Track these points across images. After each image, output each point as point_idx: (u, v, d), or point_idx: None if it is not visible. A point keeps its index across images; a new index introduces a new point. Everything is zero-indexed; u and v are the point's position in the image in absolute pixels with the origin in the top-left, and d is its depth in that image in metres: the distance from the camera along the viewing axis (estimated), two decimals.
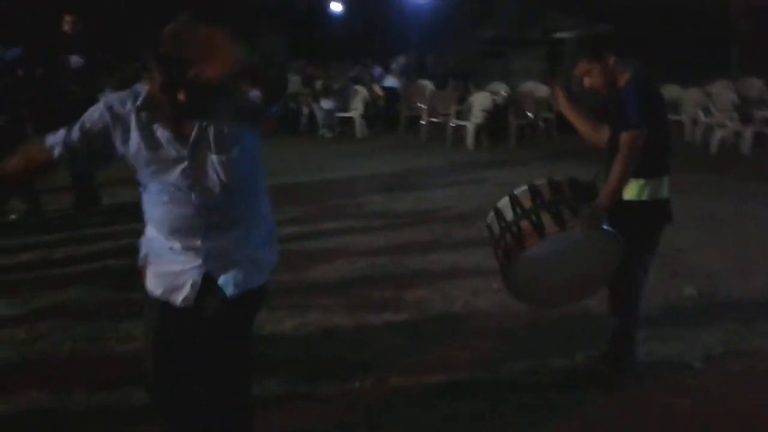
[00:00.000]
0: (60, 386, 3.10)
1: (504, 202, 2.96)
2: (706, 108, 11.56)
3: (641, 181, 2.98)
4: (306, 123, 12.43)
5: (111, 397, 3.02)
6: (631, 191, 2.98)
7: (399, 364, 3.38)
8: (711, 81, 12.77)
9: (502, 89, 13.30)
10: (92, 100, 6.76)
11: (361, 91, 12.56)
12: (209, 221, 2.05)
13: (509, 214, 2.89)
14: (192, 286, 2.08)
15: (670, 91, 13.19)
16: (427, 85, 13.77)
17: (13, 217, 6.15)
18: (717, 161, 9.92)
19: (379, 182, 8.06)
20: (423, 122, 11.99)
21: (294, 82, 13.30)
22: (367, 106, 12.57)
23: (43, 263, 4.92)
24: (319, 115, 12.36)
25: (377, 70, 14.71)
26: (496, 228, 2.95)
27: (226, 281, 2.09)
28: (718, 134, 10.78)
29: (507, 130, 11.62)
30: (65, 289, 4.35)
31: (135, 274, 2.29)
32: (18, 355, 3.46)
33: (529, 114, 11.96)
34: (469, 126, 11.43)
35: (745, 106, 10.92)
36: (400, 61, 15.29)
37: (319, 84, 12.88)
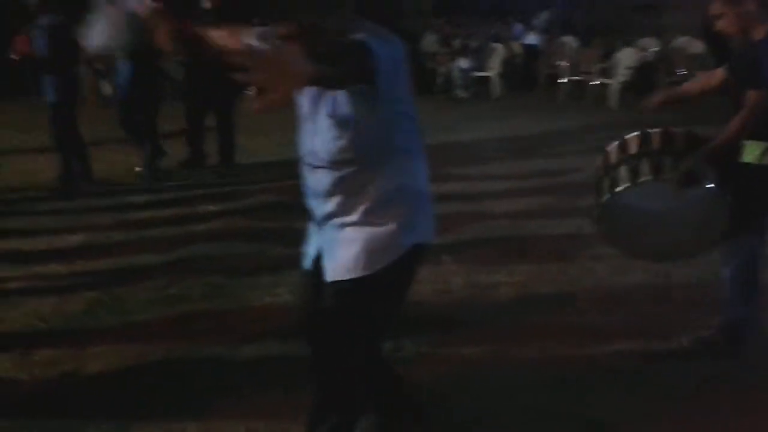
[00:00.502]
0: (193, 337, 3.35)
1: (612, 147, 2.91)
2: None
3: (765, 144, 2.79)
4: (442, 82, 12.40)
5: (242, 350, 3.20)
6: (752, 154, 2.81)
7: (511, 327, 3.41)
8: None
9: (653, 45, 12.55)
10: None
11: (499, 50, 12.31)
12: None
13: (614, 159, 2.84)
14: None
15: None
16: (571, 41, 13.25)
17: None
18: None
19: (509, 144, 7.95)
20: (563, 80, 11.60)
21: (431, 41, 13.28)
22: (505, 64, 12.32)
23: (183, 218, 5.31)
24: (455, 75, 12.28)
25: (518, 28, 14.30)
26: (600, 171, 2.92)
27: None
28: None
29: (656, 88, 11.00)
30: (205, 243, 4.69)
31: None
32: (158, 304, 3.74)
33: (680, 71, 11.22)
34: (613, 84, 10.93)
35: None
36: (543, 17, 14.77)
37: (456, 43, 12.77)
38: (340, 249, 2.02)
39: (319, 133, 1.95)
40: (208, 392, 2.85)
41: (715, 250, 3.01)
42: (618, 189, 2.77)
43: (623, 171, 2.77)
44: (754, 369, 2.99)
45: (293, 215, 5.03)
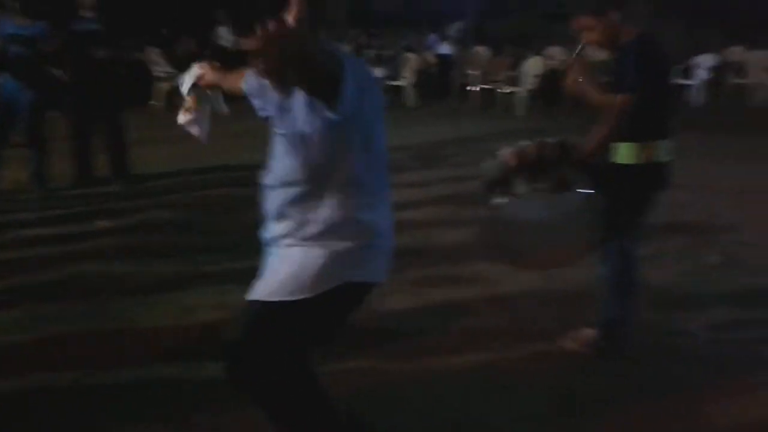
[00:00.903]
0: (66, 361, 3.18)
1: (489, 163, 2.94)
2: None
3: (635, 144, 2.89)
4: None
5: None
6: (624, 154, 2.90)
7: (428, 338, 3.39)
8: None
9: (560, 54, 12.93)
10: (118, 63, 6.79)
11: (413, 59, 12.45)
12: None
13: (493, 173, 2.87)
14: None
15: (734, 53, 12.58)
16: (482, 51, 13.54)
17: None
18: None
19: (419, 152, 8.02)
20: (474, 89, 11.82)
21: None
22: (419, 74, 12.46)
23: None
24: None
25: (432, 38, 14.51)
26: (482, 186, 2.94)
27: None
28: None
29: (562, 96, 11.33)
30: (92, 261, 4.49)
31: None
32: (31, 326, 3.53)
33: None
34: (520, 92, 11.21)
35: None
36: (457, 27, 15.05)
37: (370, 53, 12.85)
38: (270, 269, 1.96)
39: (276, 152, 1.93)
40: (83, 417, 2.71)
41: (594, 252, 3.07)
42: (498, 202, 2.78)
43: (502, 185, 2.79)
44: (635, 366, 3.07)
45: (185, 232, 4.98)
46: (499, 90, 11.52)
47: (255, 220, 4.36)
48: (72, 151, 6.57)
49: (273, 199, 1.95)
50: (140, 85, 12.24)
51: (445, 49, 13.63)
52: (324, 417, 2.03)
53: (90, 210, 5.64)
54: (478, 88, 11.83)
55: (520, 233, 2.94)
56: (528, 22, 16.13)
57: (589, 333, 3.17)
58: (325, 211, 1.89)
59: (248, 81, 2.08)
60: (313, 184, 1.88)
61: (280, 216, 1.94)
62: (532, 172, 2.79)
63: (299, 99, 1.80)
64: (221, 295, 3.73)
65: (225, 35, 13.28)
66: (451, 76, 12.81)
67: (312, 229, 1.90)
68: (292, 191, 1.90)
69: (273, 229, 1.97)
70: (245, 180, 6.33)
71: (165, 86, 12.10)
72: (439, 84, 12.98)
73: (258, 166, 6.01)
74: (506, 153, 2.90)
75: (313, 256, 1.90)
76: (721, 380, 2.95)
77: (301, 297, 1.89)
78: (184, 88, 2.43)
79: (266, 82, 1.77)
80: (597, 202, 2.79)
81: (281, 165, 1.91)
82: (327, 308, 1.94)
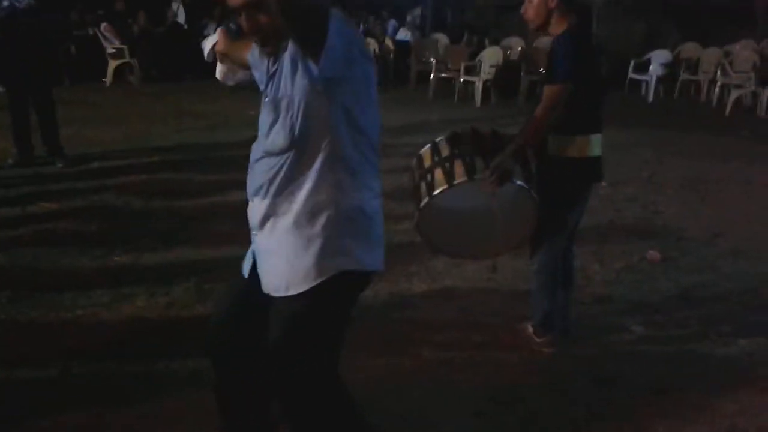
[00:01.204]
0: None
1: (426, 150, 2.88)
2: (724, 68, 11.16)
3: (567, 137, 2.87)
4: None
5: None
6: (556, 147, 2.88)
7: None
8: (734, 41, 12.30)
9: (519, 44, 12.97)
10: None
11: (372, 45, 12.33)
12: None
13: (428, 162, 2.81)
14: None
15: (689, 49, 12.79)
16: (441, 39, 13.48)
17: (10, 161, 6.12)
18: (731, 122, 9.61)
19: None
20: (432, 77, 11.77)
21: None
22: (377, 60, 12.36)
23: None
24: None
25: (392, 23, 14.41)
26: (416, 175, 2.88)
27: None
28: (734, 95, 10.40)
29: (519, 86, 11.36)
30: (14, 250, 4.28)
31: None
32: None
33: (541, 70, 11.64)
34: (477, 82, 11.20)
35: (766, 67, 10.50)
36: (416, 13, 14.96)
37: None
38: (268, 263, 1.87)
39: (262, 123, 1.83)
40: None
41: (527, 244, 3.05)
42: (435, 192, 2.73)
43: (438, 173, 2.74)
44: (574, 360, 3.08)
45: (119, 218, 4.80)
46: (457, 79, 11.48)
47: (192, 208, 4.28)
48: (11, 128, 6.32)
49: (257, 173, 1.84)
50: (92, 61, 11.89)
51: (403, 35, 13.54)
52: (345, 420, 1.97)
53: (28, 192, 5.42)
54: (434, 77, 11.78)
55: (455, 223, 2.91)
56: (485, 12, 16.13)
57: (527, 327, 3.16)
58: (309, 187, 1.77)
59: (252, 52, 1.97)
60: (297, 154, 1.76)
61: (265, 192, 1.81)
62: (469, 162, 2.75)
63: (286, 63, 1.74)
64: (156, 285, 3.64)
65: (180, 12, 12.97)
66: (408, 63, 12.73)
67: (294, 210, 1.79)
68: (277, 161, 1.78)
69: (257, 209, 1.85)
70: (190, 164, 6.28)
71: (114, 62, 11.77)
72: (397, 71, 12.89)
73: (207, 149, 5.80)
74: (442, 140, 2.87)
75: (298, 246, 1.80)
76: (654, 376, 2.97)
77: (298, 291, 1.81)
78: (206, 53, 2.37)
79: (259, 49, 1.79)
80: (531, 195, 2.77)
81: (267, 135, 1.81)
82: (326, 299, 1.83)
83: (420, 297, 3.71)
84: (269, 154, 1.80)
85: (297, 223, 1.79)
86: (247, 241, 1.98)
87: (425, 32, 14.07)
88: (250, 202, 1.89)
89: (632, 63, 12.35)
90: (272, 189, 1.80)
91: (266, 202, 1.82)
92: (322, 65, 1.64)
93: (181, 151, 6.86)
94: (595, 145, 2.93)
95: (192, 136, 7.56)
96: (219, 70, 2.32)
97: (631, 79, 12.35)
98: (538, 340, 3.11)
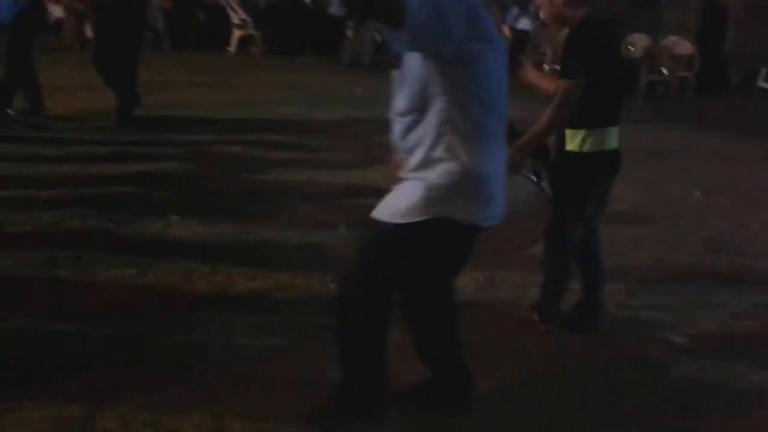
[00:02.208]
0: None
1: None
2: None
3: (583, 132, 2.81)
4: None
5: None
6: (572, 142, 2.83)
7: None
8: None
9: (643, 41, 12.38)
10: None
11: None
12: None
13: None
14: None
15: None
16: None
17: (11, 112, 6.25)
18: None
19: None
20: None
21: None
22: None
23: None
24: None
25: (513, 11, 14.12)
26: None
27: None
28: None
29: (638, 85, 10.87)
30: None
31: None
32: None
33: (663, 70, 11.09)
34: None
35: None
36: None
37: None
38: (390, 194, 2.21)
39: (395, 88, 2.16)
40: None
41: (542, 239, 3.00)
42: None
43: None
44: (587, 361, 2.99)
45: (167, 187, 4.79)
46: None
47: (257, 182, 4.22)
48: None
49: (394, 129, 2.19)
50: (219, 29, 12.53)
51: (523, 24, 13.26)
52: (374, 351, 2.27)
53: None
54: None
55: None
56: (618, 5, 15.44)
57: (534, 313, 3.14)
58: (427, 144, 2.08)
59: None
60: (415, 117, 2.08)
61: (398, 144, 2.19)
62: None
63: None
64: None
65: None
66: (521, 53, 12.46)
67: (414, 159, 2.12)
68: (403, 121, 2.12)
69: (395, 156, 2.24)
70: (276, 136, 6.43)
71: (239, 33, 12.32)
72: (511, 61, 12.64)
73: (301, 123, 5.74)
74: None
75: (411, 187, 2.12)
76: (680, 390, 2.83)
77: (396, 222, 2.12)
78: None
79: None
80: (544, 190, 2.76)
81: (397, 98, 2.14)
82: (423, 239, 2.13)
83: None
84: (397, 115, 2.15)
85: (415, 171, 2.12)
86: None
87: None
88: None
89: (763, 71, 11.49)
90: (401, 142, 2.17)
91: (400, 151, 2.19)
92: (407, 27, 1.81)
93: (275, 123, 7.05)
94: (612, 137, 2.88)
95: (289, 109, 7.81)
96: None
97: (762, 88, 11.50)
98: (542, 328, 3.08)
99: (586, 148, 2.82)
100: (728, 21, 13.28)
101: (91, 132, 6.24)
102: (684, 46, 11.59)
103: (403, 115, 2.12)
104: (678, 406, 2.71)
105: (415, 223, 2.09)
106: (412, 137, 2.11)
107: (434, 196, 2.09)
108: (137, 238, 3.92)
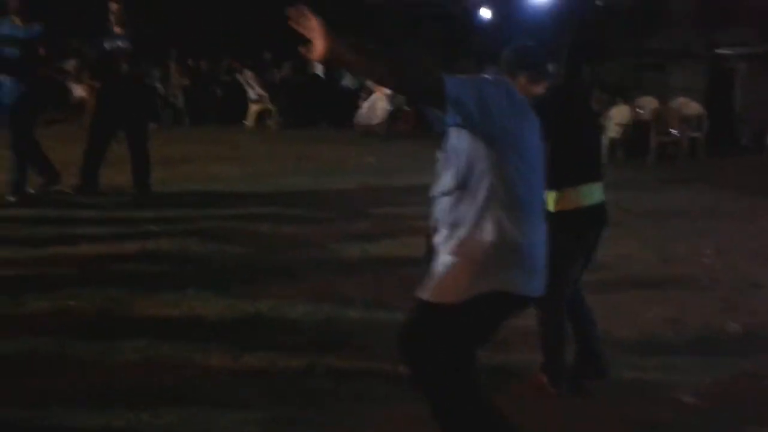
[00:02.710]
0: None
1: None
2: None
3: (554, 193, 2.94)
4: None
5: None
6: (549, 203, 2.92)
7: None
8: None
9: (652, 103, 12.56)
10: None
11: None
12: None
13: None
14: None
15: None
16: None
17: (31, 191, 6.40)
18: None
19: None
20: None
21: None
22: None
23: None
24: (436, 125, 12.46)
25: None
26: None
27: None
28: None
29: (648, 146, 10.99)
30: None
31: None
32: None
33: (673, 131, 11.21)
34: (603, 139, 10.96)
35: None
36: (549, 69, 14.88)
37: None
38: (433, 273, 2.24)
39: (439, 168, 2.29)
40: None
41: None
42: None
43: None
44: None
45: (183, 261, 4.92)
46: None
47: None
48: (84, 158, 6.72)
49: (439, 207, 2.27)
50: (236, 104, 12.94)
51: None
52: (477, 417, 2.23)
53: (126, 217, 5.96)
54: None
55: None
56: (624, 69, 15.75)
57: (542, 376, 3.14)
58: (473, 221, 2.15)
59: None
60: (462, 194, 2.17)
61: (441, 224, 2.25)
62: None
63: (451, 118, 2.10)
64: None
65: (318, 64, 13.80)
66: None
67: (459, 235, 2.17)
68: (449, 199, 2.21)
69: (438, 235, 2.27)
70: (286, 208, 6.47)
71: (255, 107, 12.70)
72: None
73: (307, 194, 5.81)
74: None
75: (457, 265, 2.17)
76: None
77: (445, 301, 2.16)
78: None
79: None
80: None
81: (441, 178, 2.25)
82: (473, 315, 2.17)
83: None
84: (442, 193, 2.23)
85: (462, 247, 2.16)
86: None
87: None
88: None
89: None
90: (447, 219, 2.22)
91: (442, 231, 2.24)
92: (449, 117, 2.04)
93: (283, 196, 7.10)
94: (587, 194, 3.03)
95: (302, 180, 7.97)
96: None
97: None
98: (552, 389, 3.09)
99: (558, 207, 2.95)
100: (736, 81, 13.48)
101: (111, 208, 6.38)
102: (693, 107, 11.75)
103: (448, 193, 2.21)
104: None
105: (468, 300, 2.14)
106: (458, 213, 2.18)
107: (484, 271, 2.14)
108: (153, 313, 3.94)
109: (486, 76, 2.26)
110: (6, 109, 6.13)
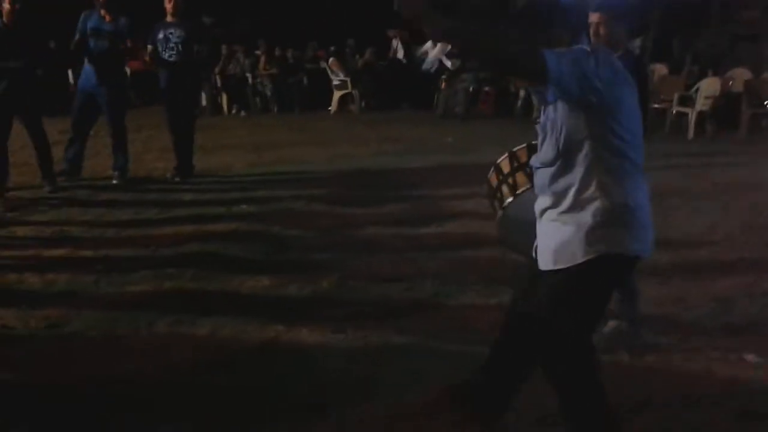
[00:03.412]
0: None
1: (503, 158, 3.11)
2: None
3: None
4: (521, 106, 12.55)
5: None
6: None
7: None
8: None
9: (744, 75, 12.07)
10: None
11: None
12: None
13: (507, 169, 3.04)
14: None
15: None
16: (659, 69, 12.98)
17: (115, 182, 6.78)
18: None
19: None
20: None
21: None
22: None
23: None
24: (536, 99, 12.40)
25: None
26: (494, 181, 3.10)
27: None
28: None
29: (739, 119, 10.60)
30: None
31: None
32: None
33: (765, 103, 10.75)
34: (691, 113, 10.65)
35: None
36: (635, 44, 14.48)
37: None
38: (544, 243, 2.35)
39: (540, 139, 2.34)
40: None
41: None
42: (506, 203, 2.99)
43: (505, 188, 2.99)
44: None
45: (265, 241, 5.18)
46: (669, 110, 11.02)
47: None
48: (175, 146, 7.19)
49: (538, 178, 2.35)
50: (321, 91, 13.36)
51: None
52: (596, 395, 2.32)
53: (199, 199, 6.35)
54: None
55: (526, 229, 3.12)
56: (718, 42, 15.14)
57: None
58: (576, 187, 2.22)
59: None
60: (563, 163, 2.23)
61: (543, 192, 2.33)
62: (528, 172, 2.95)
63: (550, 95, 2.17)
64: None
65: (399, 48, 14.01)
66: None
67: (566, 203, 2.25)
68: (549, 170, 2.27)
69: (539, 203, 2.36)
70: (367, 188, 6.65)
71: (338, 93, 13.06)
72: None
73: (390, 173, 6.01)
74: (518, 148, 3.10)
75: (565, 230, 2.24)
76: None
77: (564, 266, 2.24)
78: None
79: None
80: None
81: (542, 149, 2.30)
82: (587, 280, 2.24)
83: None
84: (543, 164, 2.30)
85: (568, 214, 2.24)
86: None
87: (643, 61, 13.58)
88: (538, 198, 2.39)
89: None
90: (549, 189, 2.29)
91: (545, 198, 2.31)
92: (551, 92, 2.12)
93: (365, 176, 7.37)
94: None
95: (384, 160, 8.22)
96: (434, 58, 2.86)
97: None
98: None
99: None
100: None
101: (203, 191, 6.80)
102: None
103: (549, 164, 2.27)
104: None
105: (581, 264, 2.20)
106: (562, 182, 2.25)
107: (595, 234, 2.20)
108: (226, 296, 4.06)
109: (584, 47, 2.23)
110: (88, 94, 6.66)
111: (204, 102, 12.66)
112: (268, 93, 13.17)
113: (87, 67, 6.71)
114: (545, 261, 2.32)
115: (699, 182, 6.92)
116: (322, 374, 3.12)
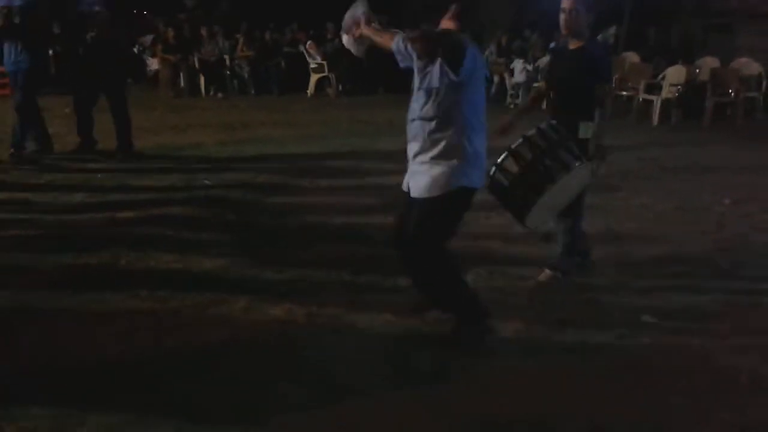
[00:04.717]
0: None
1: (506, 157, 3.56)
2: None
3: (590, 123, 3.69)
4: (494, 92, 12.78)
5: None
6: (586, 132, 3.69)
7: None
8: None
9: (711, 63, 12.34)
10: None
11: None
12: None
13: (528, 155, 3.52)
14: None
15: None
16: (630, 57, 13.23)
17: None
18: None
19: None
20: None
21: (489, 52, 13.66)
22: None
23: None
24: (509, 85, 12.67)
25: None
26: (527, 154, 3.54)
27: None
28: None
29: (704, 107, 10.88)
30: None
31: None
32: None
33: (730, 91, 11.05)
34: (656, 100, 10.93)
35: None
36: (610, 32, 14.73)
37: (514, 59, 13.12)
38: (418, 178, 3.15)
39: (417, 97, 3.13)
40: None
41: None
42: (557, 178, 3.47)
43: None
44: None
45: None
46: (636, 98, 11.29)
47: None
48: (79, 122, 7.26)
49: (413, 129, 3.14)
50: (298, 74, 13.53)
51: None
52: (459, 288, 3.28)
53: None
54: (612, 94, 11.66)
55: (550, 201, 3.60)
56: (691, 32, 15.41)
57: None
58: (446, 139, 3.06)
59: (398, 44, 3.16)
60: (440, 120, 3.05)
61: (416, 139, 3.13)
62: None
63: (436, 68, 3.03)
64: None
65: None
66: None
67: (437, 150, 3.07)
68: (427, 124, 3.07)
69: (413, 148, 3.15)
70: (330, 168, 6.87)
71: (315, 76, 13.26)
72: None
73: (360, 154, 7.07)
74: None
75: (438, 168, 3.07)
76: None
77: (436, 194, 3.08)
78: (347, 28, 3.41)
79: (414, 53, 3.10)
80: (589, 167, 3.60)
81: (419, 106, 3.10)
82: (450, 203, 3.11)
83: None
84: (422, 119, 3.09)
85: (438, 157, 3.08)
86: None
87: (617, 51, 13.83)
88: (408, 143, 3.19)
89: None
90: (422, 137, 3.10)
91: (418, 144, 3.12)
92: (460, 75, 3.01)
93: (330, 155, 7.59)
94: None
95: (351, 141, 8.46)
96: (349, 43, 3.40)
97: None
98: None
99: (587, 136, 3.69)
100: None
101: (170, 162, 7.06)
102: (753, 67, 11.51)
103: (427, 120, 3.07)
104: None
105: (446, 193, 3.07)
106: (432, 132, 3.06)
107: (460, 171, 3.07)
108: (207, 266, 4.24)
109: (466, 38, 3.11)
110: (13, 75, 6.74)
111: (182, 83, 12.85)
112: (246, 75, 13.34)
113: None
114: (419, 191, 3.12)
115: (646, 165, 7.21)
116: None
